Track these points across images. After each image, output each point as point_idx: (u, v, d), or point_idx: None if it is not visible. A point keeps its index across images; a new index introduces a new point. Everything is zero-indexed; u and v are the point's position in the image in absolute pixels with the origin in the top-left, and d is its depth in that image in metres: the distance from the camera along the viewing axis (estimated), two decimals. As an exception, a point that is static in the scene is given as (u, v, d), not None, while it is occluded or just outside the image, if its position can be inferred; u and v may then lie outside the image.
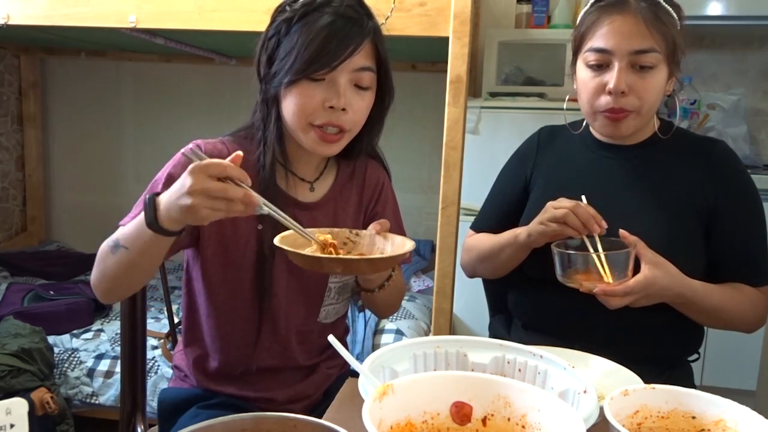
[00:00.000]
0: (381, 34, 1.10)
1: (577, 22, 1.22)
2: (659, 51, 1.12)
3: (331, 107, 1.04)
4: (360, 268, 0.95)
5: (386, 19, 1.12)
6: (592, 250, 1.09)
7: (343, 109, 1.05)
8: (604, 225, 1.11)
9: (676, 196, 1.20)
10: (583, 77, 1.19)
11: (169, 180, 1.06)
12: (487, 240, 1.32)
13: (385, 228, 1.04)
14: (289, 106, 1.07)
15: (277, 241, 0.94)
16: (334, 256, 0.94)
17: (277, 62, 1.06)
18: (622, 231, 1.10)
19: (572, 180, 1.26)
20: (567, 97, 1.32)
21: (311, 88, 1.04)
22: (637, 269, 1.09)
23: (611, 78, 1.13)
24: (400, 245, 1.00)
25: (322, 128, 1.06)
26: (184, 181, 0.85)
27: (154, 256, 0.99)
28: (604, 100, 1.15)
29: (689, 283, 1.12)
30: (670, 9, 1.14)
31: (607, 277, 1.07)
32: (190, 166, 0.85)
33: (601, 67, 1.15)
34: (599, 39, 1.14)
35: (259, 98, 1.12)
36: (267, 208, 0.89)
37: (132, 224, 0.96)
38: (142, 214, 0.92)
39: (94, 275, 1.04)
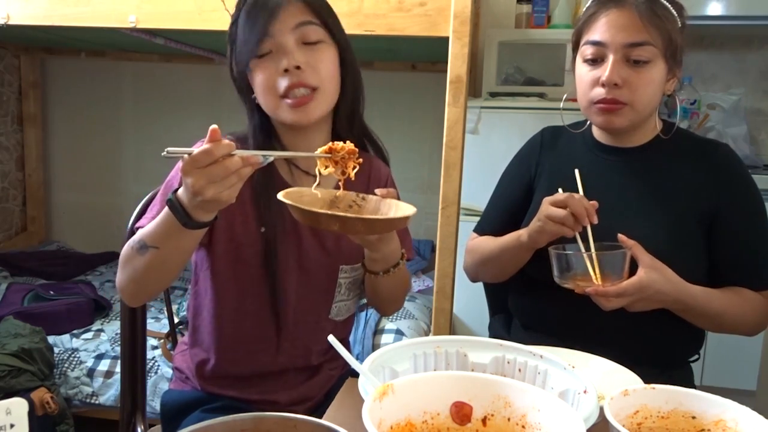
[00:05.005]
0: None
1: (578, 18, 1.23)
2: (654, 45, 1.12)
3: (286, 70, 1.05)
4: (357, 228, 0.91)
5: None
6: (584, 249, 1.10)
7: (298, 67, 1.05)
8: (595, 220, 1.10)
9: (678, 200, 1.19)
10: (580, 71, 1.20)
11: None
12: (490, 242, 1.32)
13: (392, 195, 1.02)
14: (258, 93, 1.10)
15: (280, 195, 0.93)
16: (331, 212, 0.91)
17: (234, 63, 1.11)
18: (620, 235, 1.10)
19: (575, 182, 1.25)
20: (564, 97, 1.33)
21: (264, 64, 1.07)
22: (634, 273, 1.09)
23: (605, 70, 1.14)
24: (403, 211, 0.98)
25: (289, 96, 1.07)
26: (186, 182, 0.86)
27: (186, 251, 1.00)
28: (598, 91, 1.16)
29: (688, 288, 1.11)
30: (670, 6, 1.15)
31: (597, 278, 1.08)
32: (181, 167, 0.85)
33: (596, 62, 1.16)
34: (595, 32, 1.16)
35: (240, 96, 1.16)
36: (268, 157, 0.90)
37: (156, 224, 0.96)
38: (166, 212, 0.93)
39: (121, 279, 1.05)
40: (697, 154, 1.22)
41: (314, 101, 1.08)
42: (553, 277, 1.12)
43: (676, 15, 1.15)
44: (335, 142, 0.96)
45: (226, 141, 0.84)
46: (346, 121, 1.18)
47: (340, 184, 0.99)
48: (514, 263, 1.27)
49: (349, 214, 0.91)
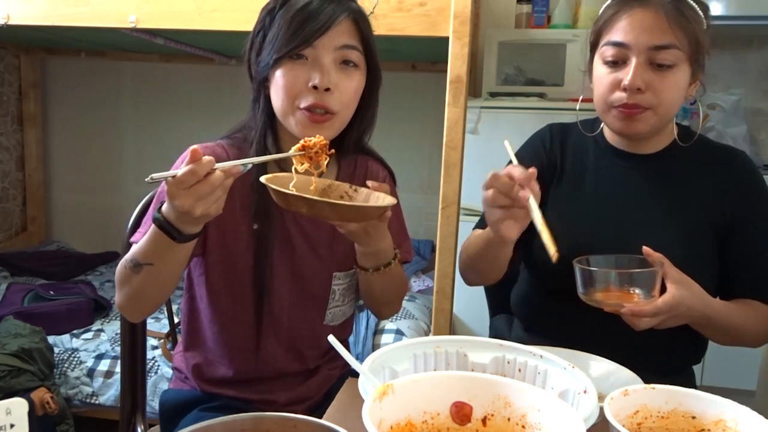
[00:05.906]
0: (364, 16, 1.10)
1: (597, 16, 1.16)
2: (680, 48, 1.07)
3: (315, 87, 1.04)
4: (324, 212, 0.89)
5: (374, 8, 1.12)
6: (535, 214, 0.95)
7: (328, 90, 1.04)
8: (535, 188, 0.98)
9: (692, 211, 1.15)
10: (599, 73, 1.13)
11: None
12: (472, 238, 1.25)
13: (384, 189, 1.01)
14: (275, 91, 1.07)
15: (263, 178, 0.92)
16: (299, 194, 0.89)
17: (263, 53, 1.08)
18: (645, 248, 1.03)
19: (585, 186, 1.21)
20: (581, 98, 1.26)
21: (295, 68, 1.05)
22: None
23: (627, 73, 1.07)
24: (381, 202, 0.97)
25: (309, 110, 1.05)
26: (173, 204, 0.87)
27: (181, 262, 1.01)
28: (619, 95, 1.10)
29: (712, 302, 1.07)
30: (696, 6, 1.09)
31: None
32: (167, 191, 0.87)
33: (617, 64, 1.10)
34: (617, 33, 1.09)
35: (252, 97, 1.13)
36: (247, 165, 0.91)
37: (147, 241, 0.96)
38: (154, 229, 0.93)
39: (120, 298, 1.05)
40: (713, 162, 1.17)
41: (329, 122, 1.07)
42: (578, 293, 1.05)
43: (702, 15, 1.10)
44: (306, 139, 0.97)
45: (207, 157, 0.85)
46: (353, 143, 1.18)
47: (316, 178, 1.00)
48: (489, 261, 1.16)
49: (315, 197, 0.90)
